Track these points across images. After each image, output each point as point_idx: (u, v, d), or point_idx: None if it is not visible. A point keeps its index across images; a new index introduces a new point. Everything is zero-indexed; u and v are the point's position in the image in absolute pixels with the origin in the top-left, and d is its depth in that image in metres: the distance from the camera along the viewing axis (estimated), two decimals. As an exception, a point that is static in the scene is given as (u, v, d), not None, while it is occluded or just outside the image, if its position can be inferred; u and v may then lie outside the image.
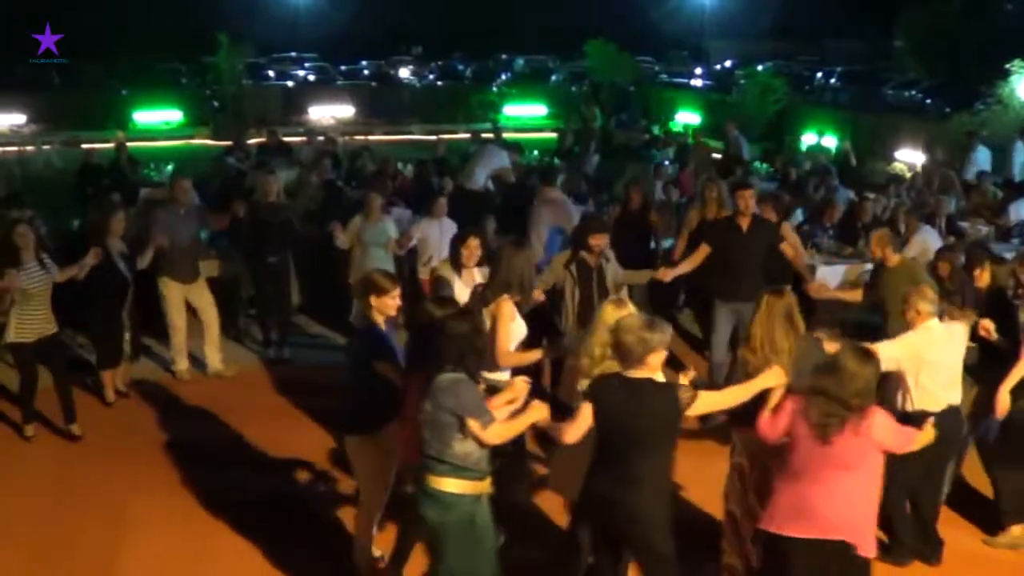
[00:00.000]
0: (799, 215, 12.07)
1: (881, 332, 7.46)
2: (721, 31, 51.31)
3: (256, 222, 9.74)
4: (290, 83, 36.01)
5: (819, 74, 37.24)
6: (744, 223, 8.66)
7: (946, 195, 12.80)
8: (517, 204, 11.41)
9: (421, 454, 5.00)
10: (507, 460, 5.79)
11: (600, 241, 7.85)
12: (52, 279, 7.97)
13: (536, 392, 5.57)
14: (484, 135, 18.19)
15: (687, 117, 29.84)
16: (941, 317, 6.31)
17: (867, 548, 4.87)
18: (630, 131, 23.81)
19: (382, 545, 6.15)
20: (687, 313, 10.94)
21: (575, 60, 37.95)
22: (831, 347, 5.71)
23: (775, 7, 46.13)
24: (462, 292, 6.93)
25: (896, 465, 5.22)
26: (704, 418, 6.84)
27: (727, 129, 18.29)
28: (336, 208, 11.41)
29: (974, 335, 6.79)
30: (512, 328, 6.35)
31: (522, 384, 5.31)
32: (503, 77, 39.19)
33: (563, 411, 5.48)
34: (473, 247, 7.11)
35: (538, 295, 7.22)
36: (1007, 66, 21.78)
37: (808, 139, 25.12)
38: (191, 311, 9.47)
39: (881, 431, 4.81)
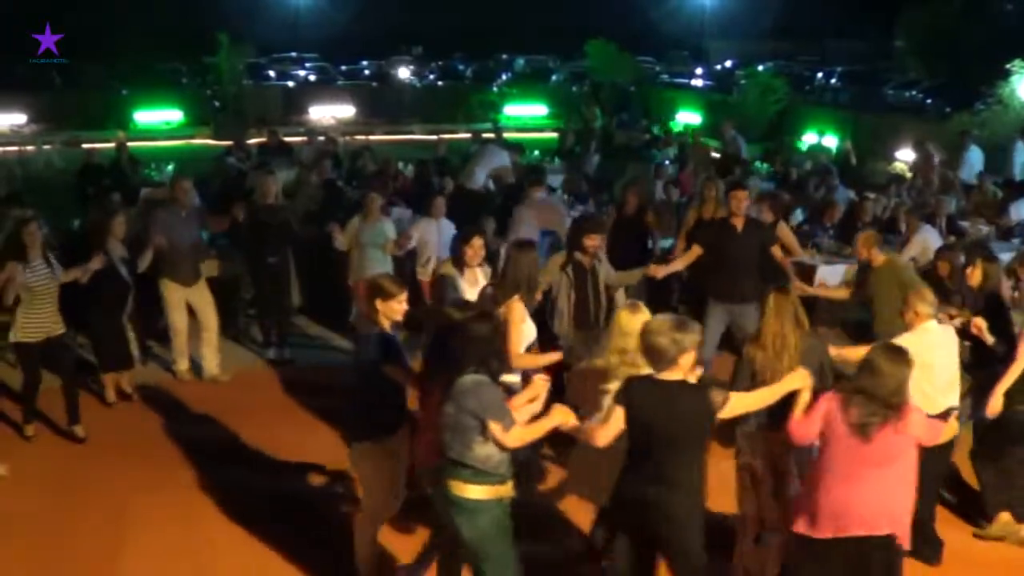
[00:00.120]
0: (799, 215, 12.08)
1: (870, 331, 7.51)
2: (722, 31, 51.31)
3: (255, 223, 9.73)
4: (291, 83, 36.05)
5: (820, 74, 37.26)
6: (738, 224, 8.70)
7: (946, 195, 12.80)
8: (517, 204, 11.39)
9: (441, 457, 4.98)
10: (523, 461, 5.78)
11: (595, 241, 7.85)
12: (58, 279, 7.96)
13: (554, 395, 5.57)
14: (485, 135, 18.19)
15: (688, 117, 29.86)
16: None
17: (906, 540, 5.00)
18: (631, 131, 23.76)
19: (401, 546, 6.17)
20: (682, 311, 10.94)
21: (576, 60, 37.97)
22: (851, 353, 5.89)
23: (776, 7, 46.14)
24: (467, 292, 6.93)
25: (926, 460, 5.26)
26: None
27: (724, 129, 18.30)
28: (336, 208, 11.42)
29: (966, 333, 6.81)
30: (523, 330, 6.37)
31: (542, 382, 5.28)
32: (503, 77, 39.21)
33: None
34: (477, 247, 7.15)
35: (537, 297, 7.22)
36: (1007, 66, 21.78)
37: (809, 139, 25.14)
38: (191, 312, 9.46)
39: (917, 426, 4.93)
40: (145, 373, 9.45)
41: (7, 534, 6.63)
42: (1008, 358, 6.50)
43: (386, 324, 5.79)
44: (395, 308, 5.78)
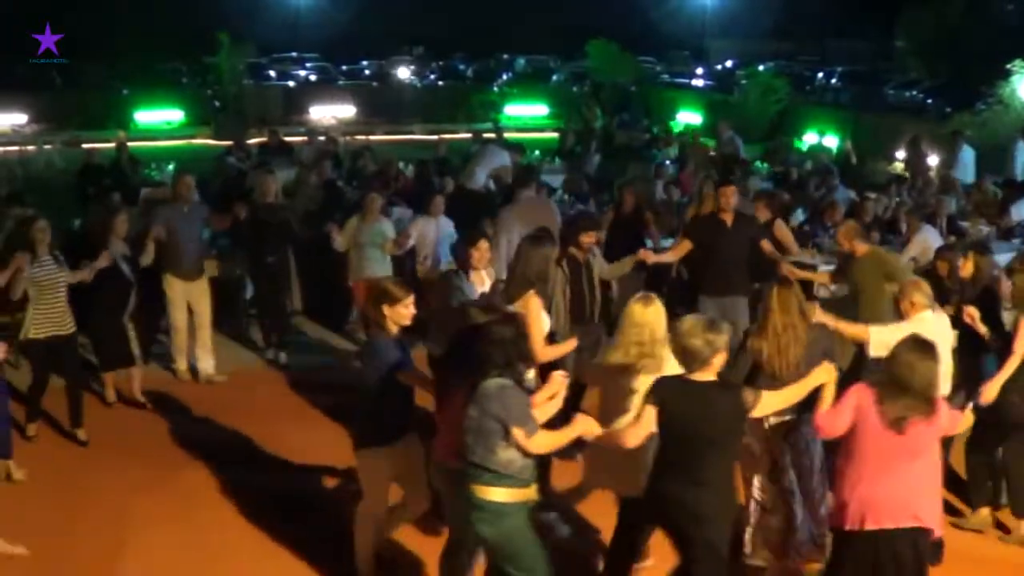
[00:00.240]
0: (800, 215, 12.07)
1: (859, 320, 7.58)
2: (722, 31, 51.31)
3: (254, 222, 9.71)
4: (291, 83, 36.06)
5: (820, 74, 37.25)
6: (728, 219, 8.80)
7: (947, 195, 12.80)
8: (502, 206, 11.33)
9: (464, 460, 4.96)
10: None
11: (591, 239, 8.00)
12: (66, 276, 7.95)
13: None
14: (485, 135, 18.20)
15: (688, 117, 29.85)
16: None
17: (938, 528, 5.12)
18: (631, 131, 23.77)
19: (431, 547, 6.18)
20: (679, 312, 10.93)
21: (576, 60, 37.96)
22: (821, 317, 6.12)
23: (776, 7, 46.09)
24: (473, 295, 6.92)
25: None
26: None
27: (720, 130, 18.33)
28: (336, 208, 11.41)
29: (957, 321, 6.87)
30: (542, 323, 6.40)
31: (560, 379, 5.25)
32: (504, 77, 39.23)
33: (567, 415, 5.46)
34: (484, 249, 7.16)
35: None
36: (1008, 66, 21.79)
37: (809, 139, 25.14)
38: (190, 310, 9.44)
39: (945, 416, 5.03)
40: (145, 373, 9.43)
41: (7, 534, 6.61)
42: (1003, 351, 6.54)
43: (394, 330, 5.77)
44: (403, 313, 5.74)
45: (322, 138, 17.89)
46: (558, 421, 5.22)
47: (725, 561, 5.02)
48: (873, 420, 4.94)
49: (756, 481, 5.97)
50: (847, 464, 5.08)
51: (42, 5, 34.83)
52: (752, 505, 5.99)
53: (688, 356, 4.91)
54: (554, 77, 38.40)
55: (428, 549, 6.19)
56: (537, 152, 19.96)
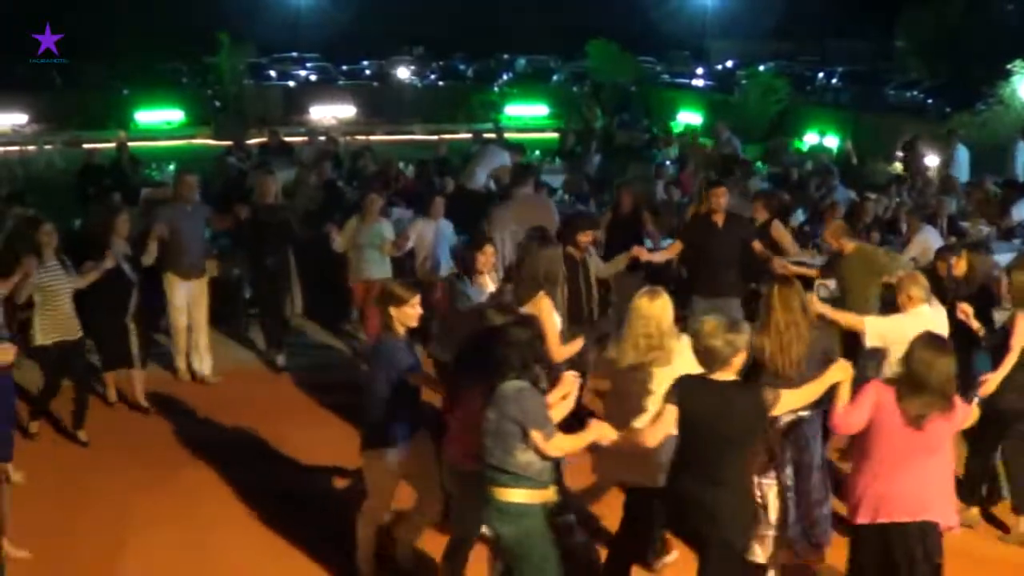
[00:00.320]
0: (800, 215, 12.07)
1: None
2: (723, 31, 51.29)
3: (254, 223, 9.65)
4: (291, 83, 36.03)
5: (821, 74, 37.21)
6: (719, 219, 8.83)
7: (947, 195, 12.80)
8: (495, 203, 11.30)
9: (482, 463, 4.97)
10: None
11: (588, 238, 8.04)
12: (73, 282, 7.91)
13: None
14: (486, 135, 18.19)
15: (689, 117, 29.82)
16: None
17: (951, 521, 5.24)
18: (632, 131, 23.78)
19: (421, 546, 6.19)
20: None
21: (577, 60, 37.92)
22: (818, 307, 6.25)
23: (777, 7, 46.06)
24: (478, 298, 6.92)
25: None
26: None
27: (718, 130, 18.34)
28: (336, 209, 11.40)
29: (950, 318, 6.91)
30: (555, 323, 6.42)
31: (572, 379, 5.27)
32: (504, 77, 39.21)
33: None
34: (489, 253, 7.18)
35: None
36: (1008, 66, 21.80)
37: (810, 139, 25.13)
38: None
39: (961, 411, 5.11)
40: (145, 372, 9.43)
41: (7, 533, 6.61)
42: (995, 349, 6.57)
43: (401, 331, 5.77)
44: (409, 314, 5.75)
45: (322, 138, 17.88)
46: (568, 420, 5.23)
47: (740, 562, 5.05)
48: (893, 418, 5.00)
49: (754, 478, 5.97)
50: (863, 460, 5.13)
51: (42, 5, 34.85)
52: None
53: (709, 356, 4.95)
54: (554, 77, 38.38)
55: (429, 549, 6.21)
56: (537, 152, 19.96)
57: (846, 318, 6.74)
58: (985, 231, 11.92)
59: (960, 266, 7.51)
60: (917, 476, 5.01)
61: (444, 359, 6.69)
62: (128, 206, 10.85)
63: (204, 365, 9.46)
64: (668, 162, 16.98)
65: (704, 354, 4.97)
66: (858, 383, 5.33)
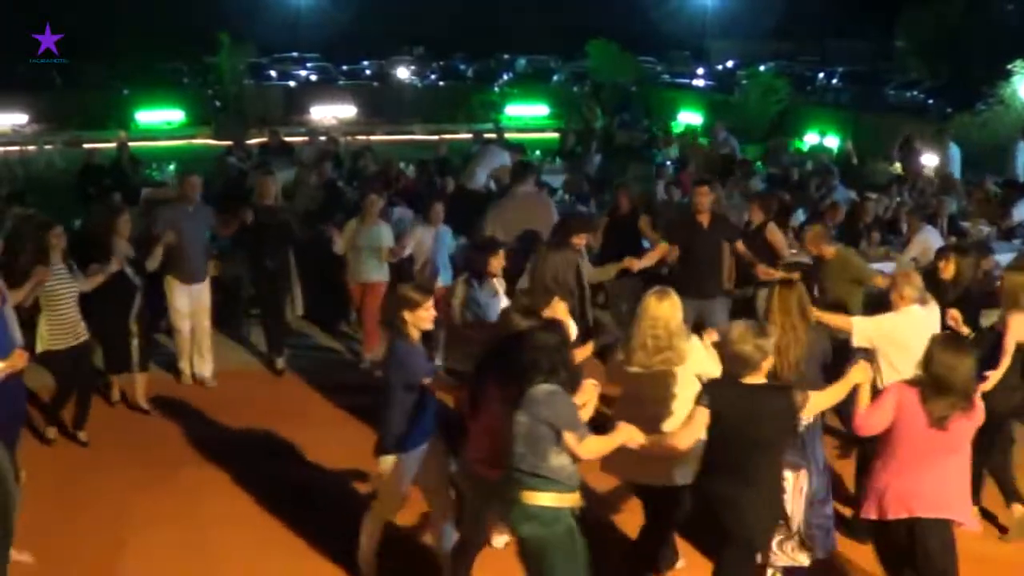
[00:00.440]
0: (800, 215, 12.07)
1: None
2: (723, 31, 51.30)
3: (254, 224, 9.55)
4: (292, 83, 36.05)
5: (821, 74, 37.26)
6: (704, 220, 8.84)
7: (948, 195, 12.80)
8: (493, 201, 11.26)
9: (509, 467, 4.93)
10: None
11: (582, 241, 8.02)
12: (79, 285, 7.86)
13: None
14: (486, 135, 18.19)
15: (689, 117, 29.82)
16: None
17: (967, 517, 5.25)
18: (632, 131, 23.79)
19: (421, 545, 6.19)
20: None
21: (577, 60, 37.94)
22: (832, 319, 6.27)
23: (777, 8, 46.06)
24: (489, 302, 6.91)
25: None
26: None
27: (715, 130, 18.35)
28: (336, 209, 11.39)
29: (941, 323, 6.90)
30: (571, 329, 6.40)
31: (592, 387, 5.28)
32: (505, 77, 39.23)
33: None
34: (501, 256, 7.18)
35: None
36: (1009, 66, 21.81)
37: (810, 139, 25.14)
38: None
39: (979, 410, 5.15)
40: (147, 375, 9.43)
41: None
42: (986, 354, 6.54)
43: (415, 335, 5.75)
44: (423, 317, 5.73)
45: (323, 138, 17.87)
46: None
47: (754, 561, 5.09)
48: (916, 418, 5.04)
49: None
50: (884, 460, 5.17)
51: (42, 5, 34.85)
52: None
53: (739, 362, 5.00)
54: (554, 77, 38.40)
55: (429, 549, 6.21)
56: (538, 152, 19.97)
57: (833, 319, 6.74)
58: (985, 231, 11.94)
59: (948, 269, 7.49)
60: (938, 474, 5.07)
61: (455, 368, 6.68)
62: (128, 206, 10.83)
63: (205, 368, 9.42)
64: (668, 162, 16.99)
65: (734, 360, 5.02)
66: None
